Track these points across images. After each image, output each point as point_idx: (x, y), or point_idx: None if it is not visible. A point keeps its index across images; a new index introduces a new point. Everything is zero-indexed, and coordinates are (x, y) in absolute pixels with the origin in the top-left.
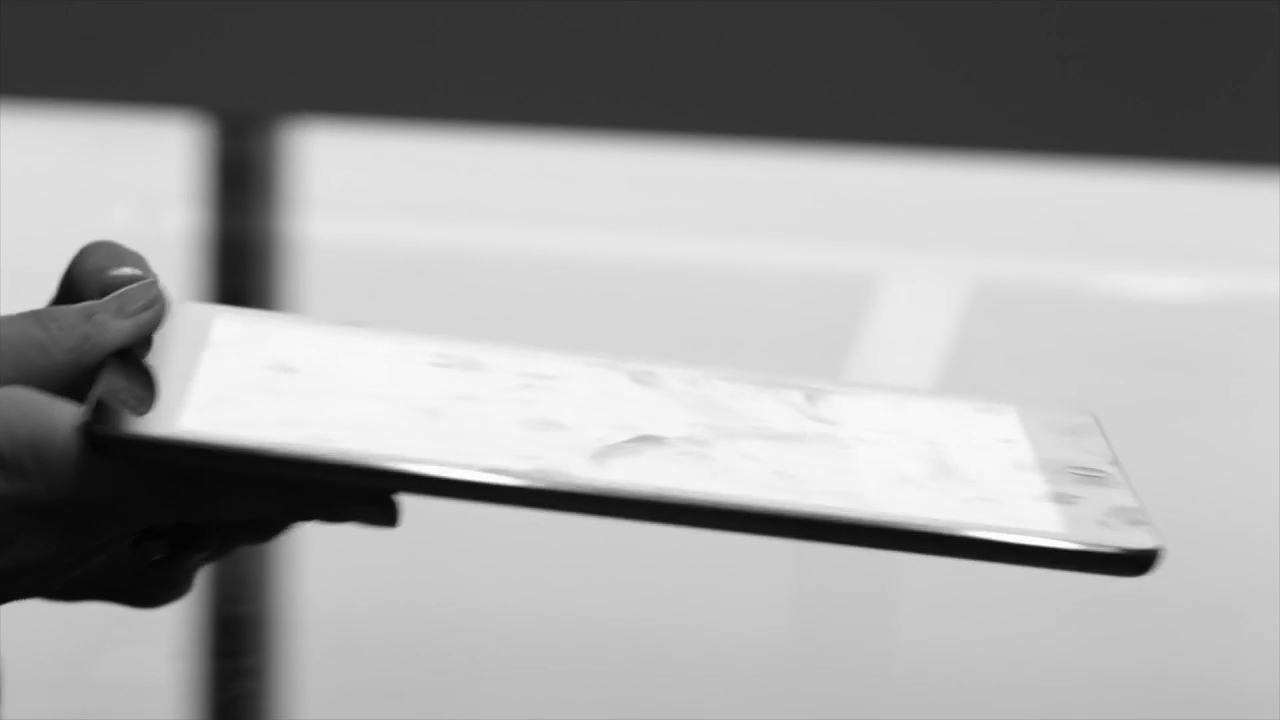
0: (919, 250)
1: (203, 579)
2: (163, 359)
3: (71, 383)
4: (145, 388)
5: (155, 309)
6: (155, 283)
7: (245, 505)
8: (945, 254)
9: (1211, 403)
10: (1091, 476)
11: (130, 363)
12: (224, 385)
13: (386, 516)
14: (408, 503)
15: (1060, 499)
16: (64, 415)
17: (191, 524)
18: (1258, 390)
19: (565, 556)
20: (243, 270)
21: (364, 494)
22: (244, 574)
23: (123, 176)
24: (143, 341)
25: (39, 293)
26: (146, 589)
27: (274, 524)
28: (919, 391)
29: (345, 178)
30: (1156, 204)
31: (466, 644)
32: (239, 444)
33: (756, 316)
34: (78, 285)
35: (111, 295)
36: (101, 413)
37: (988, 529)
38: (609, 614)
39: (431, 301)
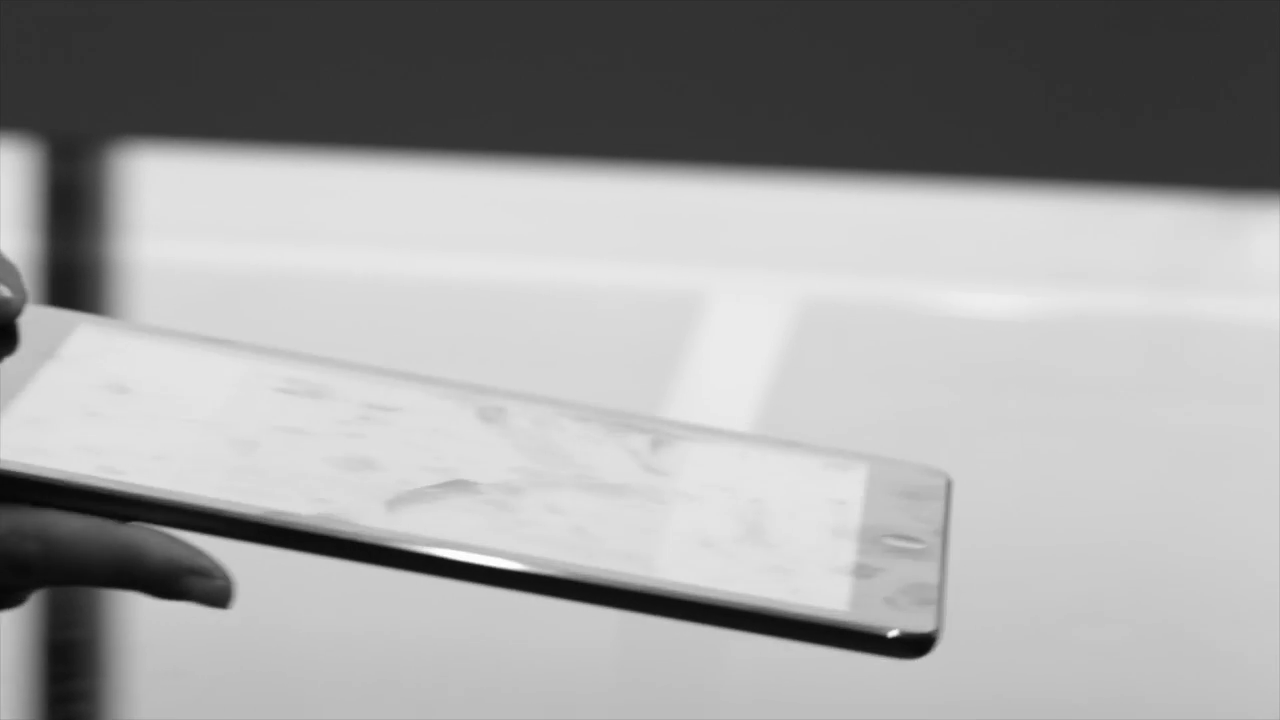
0: (746, 269)
1: (33, 602)
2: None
3: None
4: None
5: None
6: None
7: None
8: (772, 272)
9: (1041, 419)
10: (906, 549)
11: None
12: (47, 404)
13: (217, 595)
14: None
15: (860, 571)
16: None
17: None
18: (1087, 406)
19: (396, 573)
20: (73, 294)
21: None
22: (74, 597)
23: None
24: None
25: None
26: None
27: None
28: (775, 442)
29: (175, 200)
30: (984, 221)
31: (298, 664)
32: (8, 468)
33: (584, 336)
34: None
35: None
36: None
37: (759, 602)
38: (441, 631)
39: (259, 324)
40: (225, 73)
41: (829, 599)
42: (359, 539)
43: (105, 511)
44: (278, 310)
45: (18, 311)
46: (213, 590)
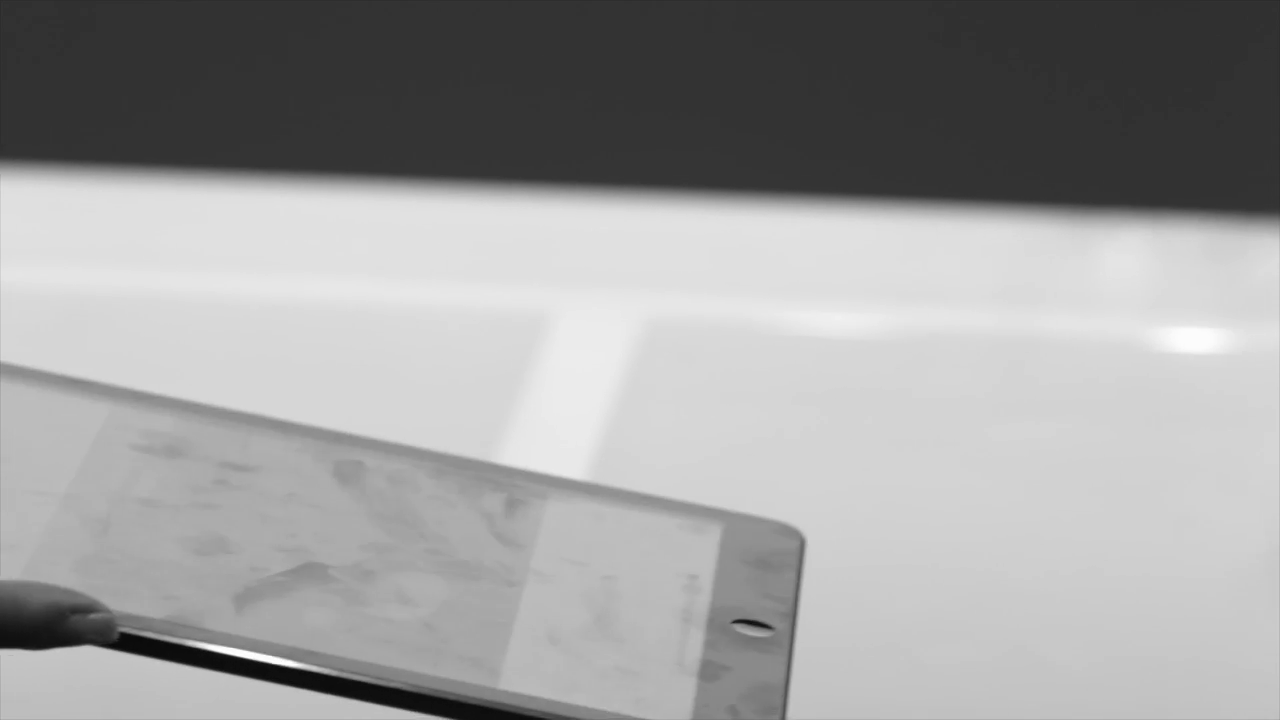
0: (590, 288)
1: None
2: None
3: None
4: None
5: None
6: None
7: None
8: (617, 292)
9: (888, 438)
10: (754, 637)
11: None
12: None
13: (105, 628)
14: None
15: (705, 672)
16: None
17: None
18: (934, 425)
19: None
20: None
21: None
22: None
23: None
24: None
25: None
26: None
27: None
28: (628, 497)
29: (16, 223)
30: (830, 239)
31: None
32: None
33: (427, 356)
34: None
35: None
36: None
37: (603, 718)
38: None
39: (102, 347)
40: (62, 94)
41: (672, 710)
42: (205, 650)
43: None
44: (111, 333)
45: None
46: (100, 624)
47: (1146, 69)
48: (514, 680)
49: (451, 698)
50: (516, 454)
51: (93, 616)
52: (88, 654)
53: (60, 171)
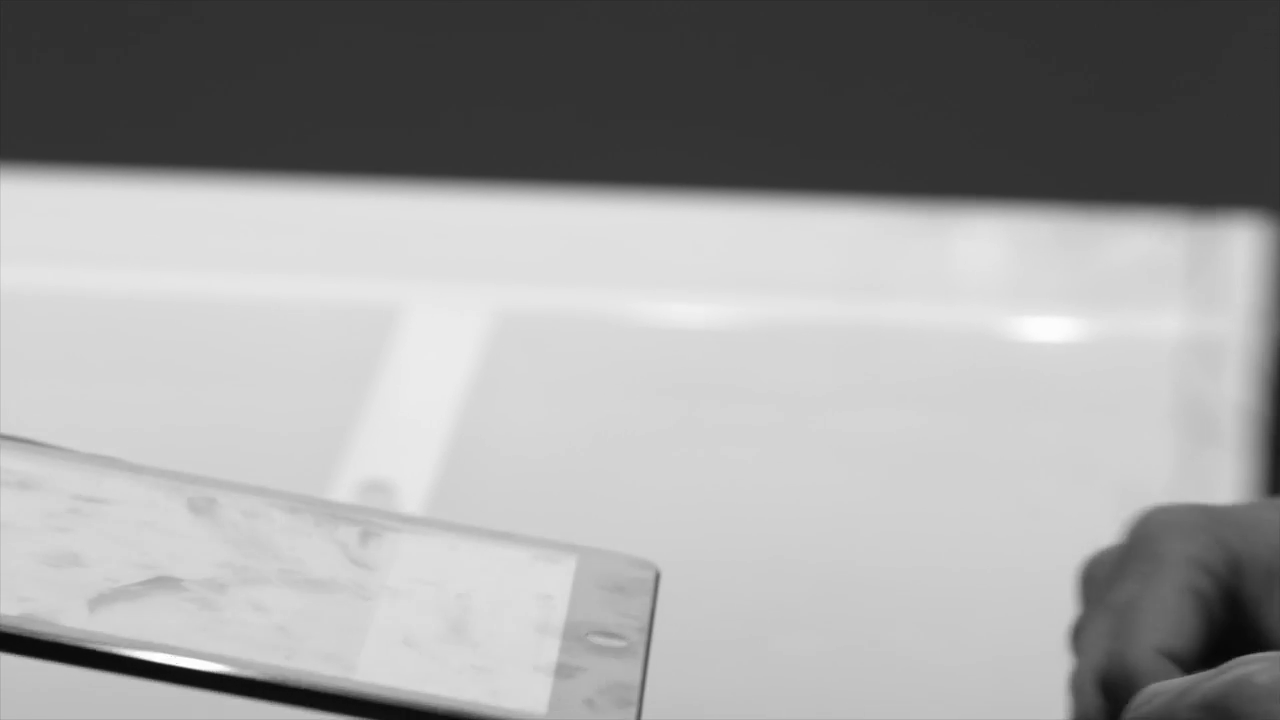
0: (440, 281)
1: None
2: None
3: None
4: None
5: None
6: None
7: None
8: (467, 284)
9: (736, 428)
10: (609, 646)
11: None
12: None
13: None
14: None
15: (561, 671)
16: None
17: None
18: (782, 415)
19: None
20: None
21: None
22: None
23: None
24: None
25: None
26: None
27: None
28: (487, 534)
29: None
30: (678, 230)
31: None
32: None
33: (278, 350)
34: None
35: None
36: None
37: (457, 704)
38: None
39: None
40: None
41: (528, 700)
42: (58, 640)
43: None
44: None
45: None
46: None
47: (997, 58)
48: (370, 673)
49: (306, 686)
50: (369, 446)
51: None
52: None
53: None
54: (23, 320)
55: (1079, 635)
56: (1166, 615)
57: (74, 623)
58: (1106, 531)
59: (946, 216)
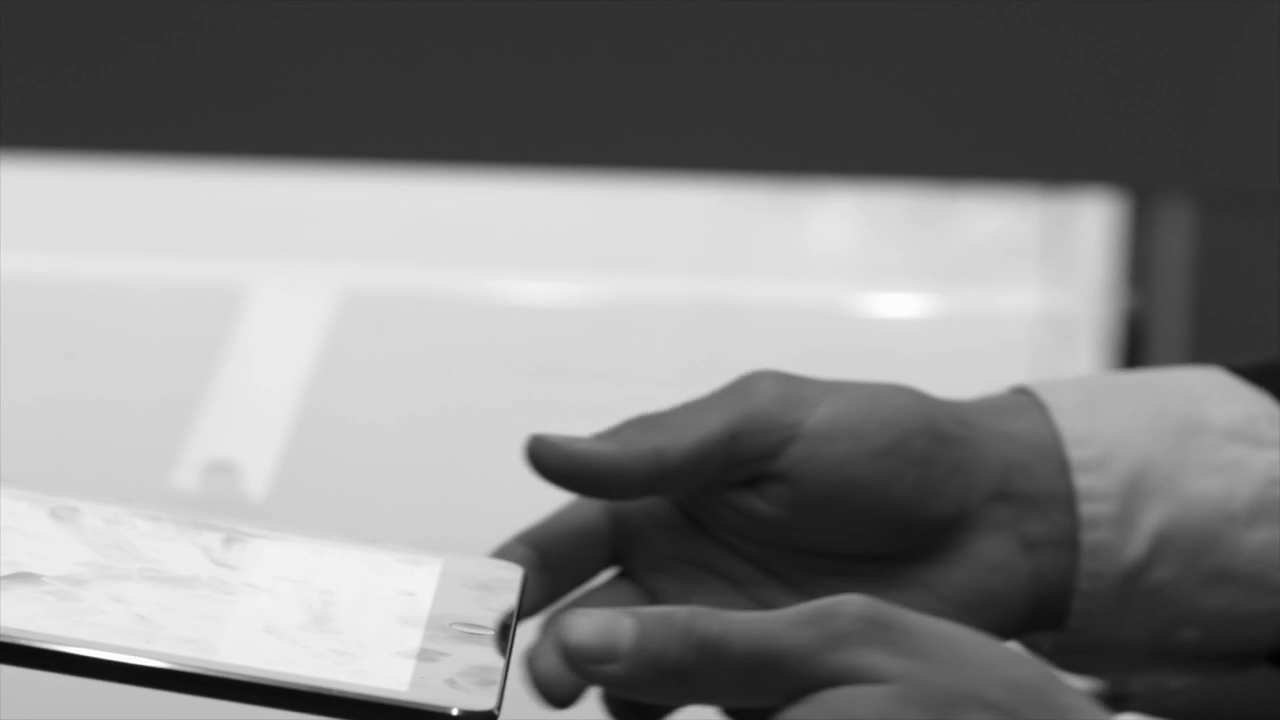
0: (286, 260)
1: None
2: None
3: None
4: None
5: None
6: None
7: None
8: (314, 264)
9: (589, 407)
10: (473, 634)
11: None
12: None
13: None
14: None
15: (424, 655)
16: None
17: None
18: (636, 393)
19: None
20: None
21: None
22: None
23: None
24: None
25: None
26: None
27: None
28: (349, 539)
29: None
30: (529, 209)
31: None
32: None
33: (124, 331)
34: None
35: None
36: None
37: (318, 682)
38: None
39: None
40: None
41: (390, 680)
42: None
43: None
44: None
45: None
46: None
47: (850, 33)
48: (231, 655)
49: (165, 667)
50: (214, 426)
51: None
52: None
53: None
54: None
55: None
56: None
57: None
58: None
59: (799, 193)
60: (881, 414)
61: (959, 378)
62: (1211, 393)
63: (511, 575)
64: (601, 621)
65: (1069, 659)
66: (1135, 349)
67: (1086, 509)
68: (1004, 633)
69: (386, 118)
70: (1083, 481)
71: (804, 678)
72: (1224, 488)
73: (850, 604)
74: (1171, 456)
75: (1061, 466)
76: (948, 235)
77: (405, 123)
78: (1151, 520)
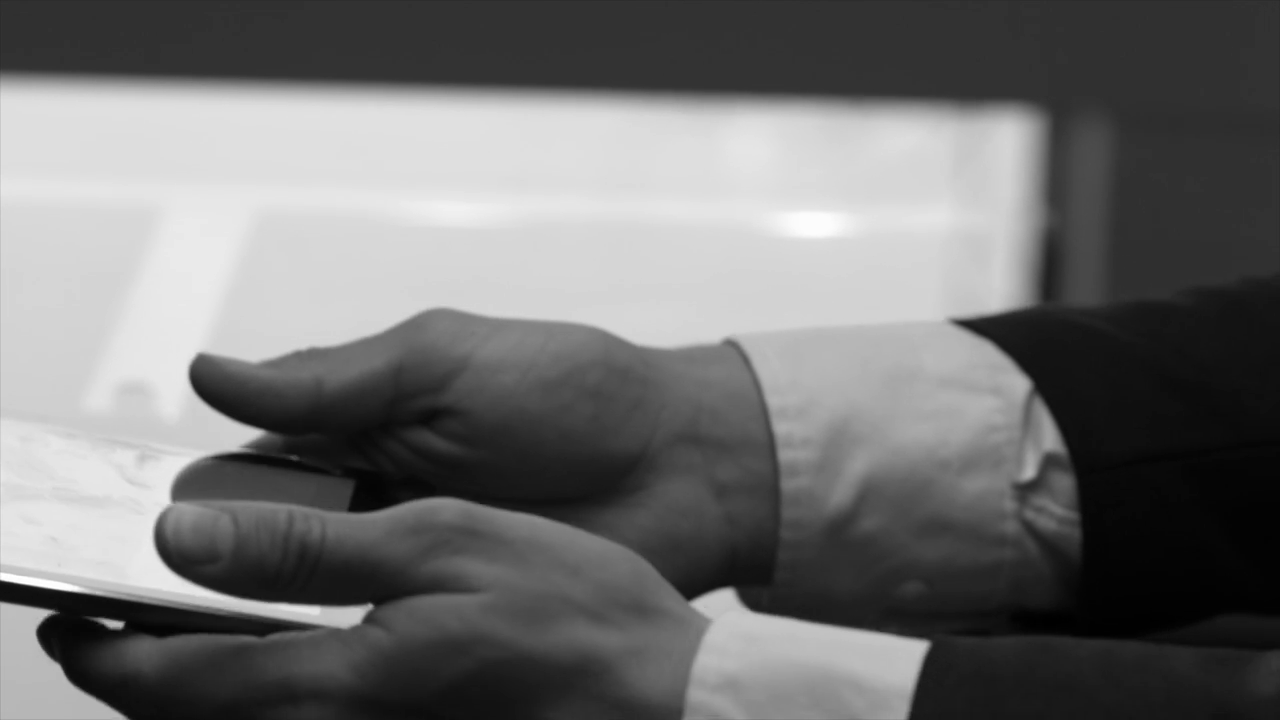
0: (197, 182)
1: None
2: None
3: None
4: None
5: None
6: None
7: None
8: (225, 185)
9: None
10: None
11: None
12: None
13: None
14: None
15: None
16: None
17: None
18: (546, 313)
19: None
20: None
21: None
22: None
23: None
24: None
25: None
26: None
27: None
28: (265, 460)
29: None
30: (445, 129)
31: None
32: None
33: (38, 253)
34: None
35: None
36: None
37: (220, 605)
38: None
39: None
40: None
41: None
42: None
43: None
44: None
45: None
46: None
47: None
48: (143, 578)
49: (76, 591)
50: (127, 347)
51: None
52: None
53: None
54: None
55: None
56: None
57: None
58: None
59: (713, 113)
60: (554, 347)
61: (875, 296)
62: (930, 342)
63: (423, 495)
64: (202, 519)
65: (789, 615)
66: (1051, 266)
67: (785, 455)
68: (702, 581)
69: (298, 39)
70: (781, 428)
71: (399, 587)
72: (936, 434)
73: (445, 510)
74: (880, 404)
75: (758, 413)
76: (862, 153)
77: (318, 44)
78: (857, 467)
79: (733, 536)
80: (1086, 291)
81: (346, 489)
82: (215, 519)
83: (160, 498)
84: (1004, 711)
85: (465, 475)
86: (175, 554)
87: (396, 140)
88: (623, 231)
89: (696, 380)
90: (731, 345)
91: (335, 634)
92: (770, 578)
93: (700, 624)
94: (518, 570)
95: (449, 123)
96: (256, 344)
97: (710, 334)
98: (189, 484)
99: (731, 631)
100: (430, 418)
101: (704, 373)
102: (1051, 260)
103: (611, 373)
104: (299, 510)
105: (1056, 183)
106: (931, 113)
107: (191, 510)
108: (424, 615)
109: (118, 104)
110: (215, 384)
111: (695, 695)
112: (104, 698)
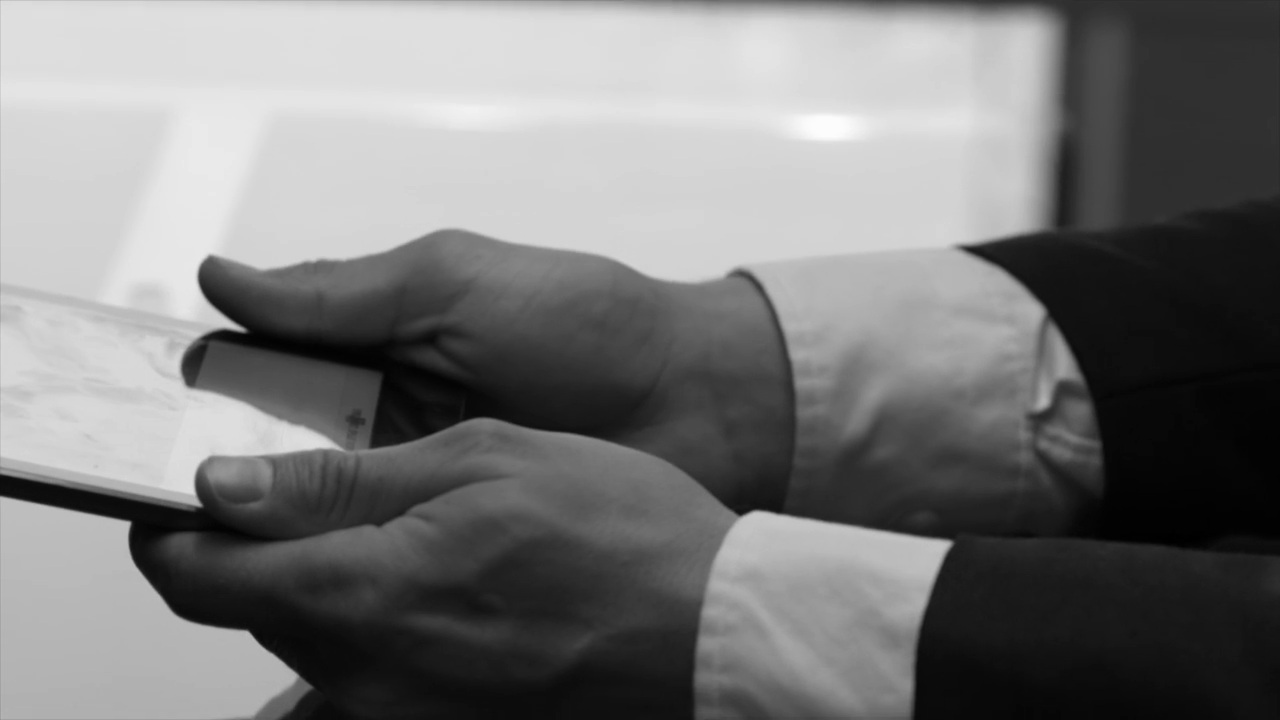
0: (211, 86)
1: None
2: None
3: None
4: None
5: None
6: None
7: None
8: (238, 88)
9: (515, 228)
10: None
11: None
12: None
13: None
14: None
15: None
16: None
17: None
18: (558, 214)
19: None
20: None
21: None
22: None
23: None
24: None
25: None
26: None
27: None
28: (294, 349)
29: None
30: (458, 32)
31: None
32: None
33: (51, 156)
34: None
35: None
36: None
37: None
38: None
39: None
40: None
41: None
42: None
43: None
44: None
45: None
46: None
47: None
48: (177, 483)
49: (112, 494)
50: (142, 249)
51: None
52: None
53: None
54: None
55: None
56: None
57: None
58: None
59: (728, 16)
60: (559, 275)
61: (891, 199)
62: (942, 269)
63: (452, 400)
64: (241, 465)
65: None
66: (1068, 169)
67: (802, 383)
68: None
69: None
70: (798, 355)
71: (434, 489)
72: (951, 363)
73: (476, 422)
74: (895, 331)
75: (772, 344)
76: (879, 58)
77: None
78: (873, 396)
79: (740, 474)
80: (1103, 195)
81: (375, 381)
82: (253, 463)
83: (195, 392)
84: (1021, 605)
85: (473, 399)
86: (218, 492)
87: (407, 44)
88: (634, 134)
89: (708, 313)
90: (743, 275)
91: (375, 527)
92: (778, 511)
93: (729, 522)
94: (551, 463)
95: (460, 26)
96: (270, 247)
97: (722, 237)
98: (217, 377)
99: (756, 527)
100: (433, 338)
101: (716, 305)
102: (1068, 162)
103: (619, 304)
104: (331, 449)
105: (1073, 86)
106: (949, 17)
107: (231, 459)
108: (459, 498)
109: (131, 7)
110: (219, 287)
111: (716, 585)
112: (149, 578)
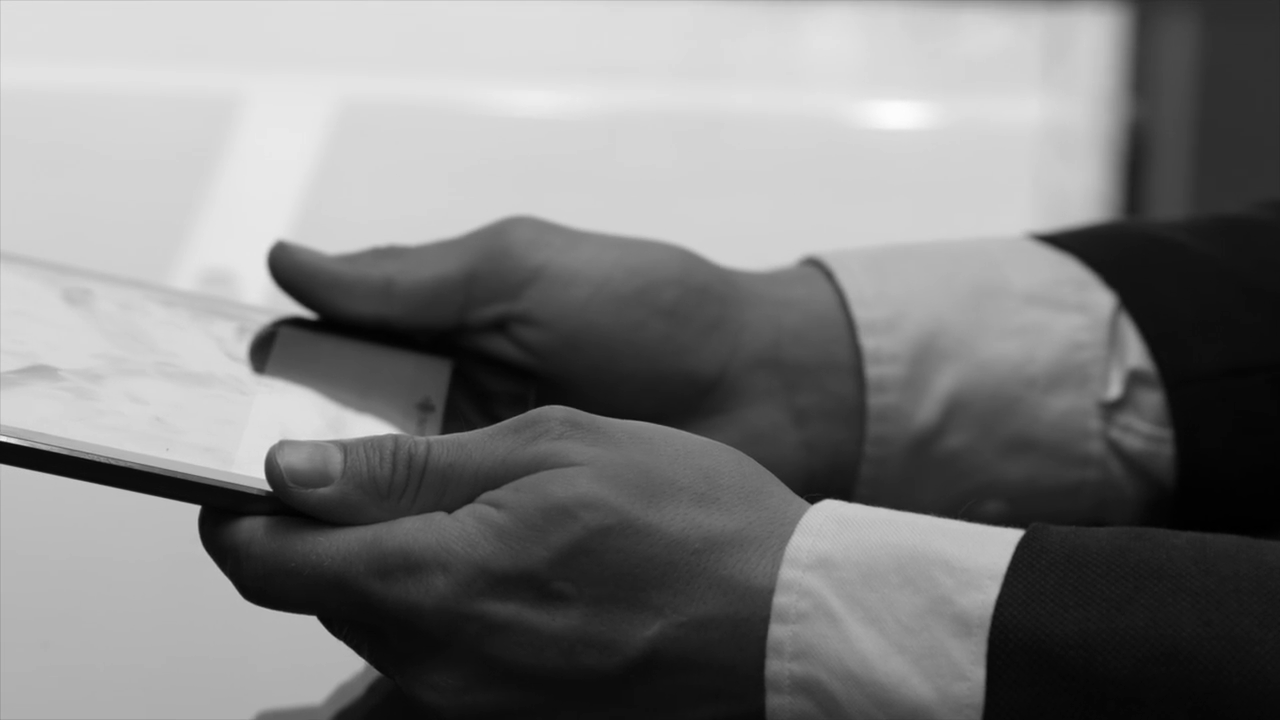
0: (283, 71)
1: None
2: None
3: None
4: None
5: None
6: None
7: None
8: (311, 74)
9: (586, 214)
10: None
11: None
12: None
13: None
14: None
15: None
16: None
17: None
18: (631, 201)
19: None
20: None
21: None
22: None
23: None
24: None
25: None
26: None
27: None
28: (364, 338)
29: None
30: (526, 19)
31: None
32: None
33: (119, 141)
34: None
35: None
36: None
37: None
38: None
39: None
40: None
41: None
42: None
43: None
44: None
45: None
46: None
47: None
48: (248, 467)
49: (183, 477)
50: (211, 235)
51: None
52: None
53: None
54: None
55: None
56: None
57: None
58: None
59: (797, 6)
60: (630, 262)
61: (960, 188)
62: (1012, 257)
63: (521, 390)
64: (311, 449)
65: None
66: (1138, 159)
67: (873, 371)
68: None
69: None
70: (869, 342)
71: (504, 477)
72: (1022, 351)
73: (547, 409)
74: (966, 319)
75: (842, 332)
76: (949, 49)
77: None
78: (944, 384)
79: (810, 462)
80: (1173, 184)
81: (444, 369)
82: (324, 447)
83: (265, 377)
84: (1094, 594)
85: (542, 387)
86: (289, 475)
87: (478, 30)
88: (704, 122)
89: (777, 301)
90: (813, 263)
91: (446, 513)
92: (848, 499)
93: (801, 511)
94: (622, 451)
95: (531, 13)
96: (340, 232)
97: (791, 225)
98: (287, 362)
99: (827, 515)
100: (503, 325)
101: (786, 293)
102: (1139, 152)
103: (688, 291)
104: (400, 434)
105: (1144, 74)
106: (1018, 8)
107: (301, 444)
108: (530, 485)
109: None
110: (288, 272)
111: (787, 573)
112: (218, 561)
